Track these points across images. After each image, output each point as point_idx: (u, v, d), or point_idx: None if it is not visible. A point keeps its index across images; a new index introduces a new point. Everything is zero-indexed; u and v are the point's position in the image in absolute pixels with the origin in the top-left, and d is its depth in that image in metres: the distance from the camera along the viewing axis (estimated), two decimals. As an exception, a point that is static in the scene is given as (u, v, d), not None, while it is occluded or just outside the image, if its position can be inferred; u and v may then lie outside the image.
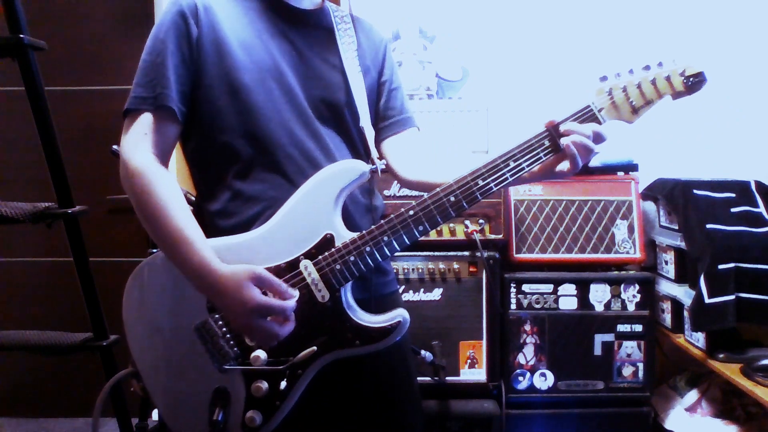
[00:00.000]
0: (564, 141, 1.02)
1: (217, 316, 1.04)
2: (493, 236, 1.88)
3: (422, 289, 1.87)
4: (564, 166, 1.04)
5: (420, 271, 1.87)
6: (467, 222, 1.86)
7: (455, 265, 1.86)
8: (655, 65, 1.03)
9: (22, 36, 1.53)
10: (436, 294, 1.87)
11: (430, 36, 2.26)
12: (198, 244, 1.00)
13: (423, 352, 1.77)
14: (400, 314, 1.05)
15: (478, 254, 1.84)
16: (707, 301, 1.73)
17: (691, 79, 1.02)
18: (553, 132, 1.05)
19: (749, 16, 2.29)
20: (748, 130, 2.29)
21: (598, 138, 1.03)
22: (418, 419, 1.29)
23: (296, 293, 1.02)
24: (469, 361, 1.87)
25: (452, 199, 1.04)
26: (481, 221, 1.87)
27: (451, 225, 1.87)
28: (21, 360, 2.61)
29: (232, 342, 1.03)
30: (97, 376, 1.77)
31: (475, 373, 1.88)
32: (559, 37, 2.34)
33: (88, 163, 2.52)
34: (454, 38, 2.34)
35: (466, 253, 1.88)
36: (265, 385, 1.03)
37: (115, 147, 1.79)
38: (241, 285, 0.96)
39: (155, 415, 1.91)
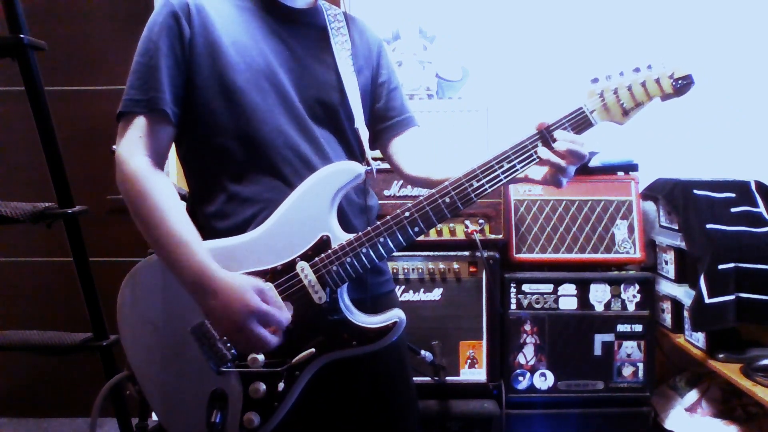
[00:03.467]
0: (540, 154, 1.04)
1: None
2: (493, 236, 1.88)
3: (422, 289, 1.87)
4: (557, 178, 1.06)
5: (420, 271, 1.87)
6: (467, 222, 1.86)
7: (455, 265, 1.86)
8: (645, 67, 1.04)
9: (22, 36, 1.52)
10: (436, 294, 1.87)
11: (430, 36, 2.26)
12: (195, 246, 0.99)
13: (423, 352, 1.77)
14: (396, 315, 1.06)
15: (478, 254, 1.84)
16: (707, 301, 1.73)
17: (679, 82, 1.03)
18: (546, 134, 1.06)
19: (748, 17, 2.29)
20: (748, 130, 2.29)
21: (574, 155, 1.04)
22: (414, 419, 1.29)
23: (289, 315, 1.02)
24: (469, 361, 1.87)
25: (447, 200, 1.05)
26: (481, 221, 1.87)
27: (451, 225, 1.88)
28: (21, 360, 2.61)
29: (229, 344, 1.03)
30: (97, 376, 1.77)
31: (475, 373, 1.88)
32: (558, 37, 2.34)
33: (88, 163, 2.51)
34: (454, 38, 2.33)
35: (466, 253, 1.88)
36: (262, 386, 1.03)
37: (115, 147, 1.79)
38: (245, 289, 0.97)
39: (155, 415, 1.91)
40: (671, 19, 2.30)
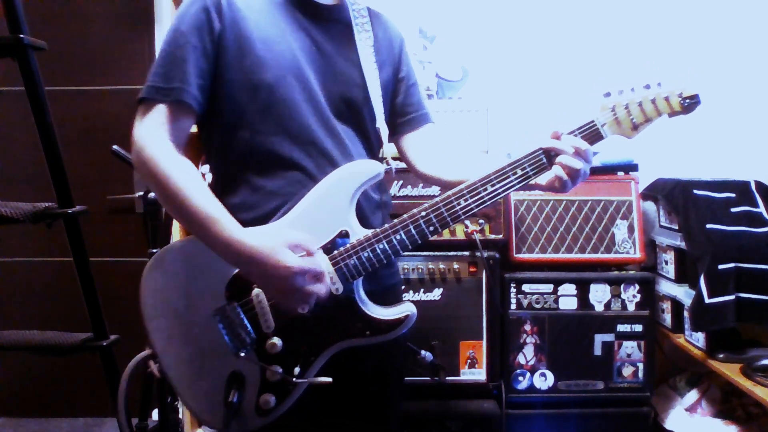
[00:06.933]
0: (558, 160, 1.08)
1: (234, 303, 1.07)
2: (493, 236, 1.88)
3: (422, 289, 1.87)
4: (561, 184, 1.09)
5: (420, 271, 1.87)
6: (467, 222, 1.86)
7: (455, 265, 1.86)
8: (655, 85, 1.08)
9: (22, 36, 1.52)
10: (436, 294, 1.87)
11: (430, 36, 2.26)
12: (224, 221, 1.01)
13: (423, 352, 1.77)
14: (408, 308, 1.12)
15: (478, 254, 1.84)
16: (707, 301, 1.73)
17: (687, 100, 1.07)
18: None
19: (748, 18, 2.29)
20: (748, 130, 2.29)
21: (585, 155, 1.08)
22: (397, 407, 1.38)
23: (326, 260, 1.06)
24: (469, 361, 1.87)
25: (462, 202, 1.09)
26: (481, 221, 1.87)
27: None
28: (21, 360, 2.61)
29: (249, 329, 1.07)
30: (97, 376, 1.77)
31: (475, 373, 1.88)
32: (558, 37, 2.34)
33: (88, 163, 2.52)
34: (454, 38, 2.33)
35: (466, 253, 1.88)
36: (279, 369, 1.07)
37: (115, 147, 1.79)
38: (278, 250, 0.99)
39: (155, 415, 1.92)
40: (670, 19, 2.30)
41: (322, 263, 1.04)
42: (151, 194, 1.75)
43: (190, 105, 1.06)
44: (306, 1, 1.16)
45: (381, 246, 1.08)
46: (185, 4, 1.09)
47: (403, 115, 1.31)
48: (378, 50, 1.23)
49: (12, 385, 2.72)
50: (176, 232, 2.09)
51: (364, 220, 1.13)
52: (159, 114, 1.05)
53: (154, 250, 1.75)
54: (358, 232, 1.09)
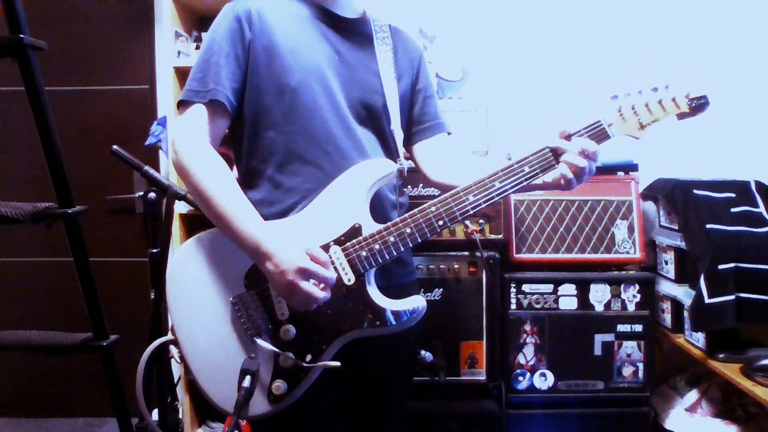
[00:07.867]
0: (563, 158, 1.11)
1: (252, 291, 1.13)
2: (493, 236, 1.88)
3: (422, 289, 1.87)
4: (567, 182, 1.13)
5: (420, 271, 1.87)
6: (467, 222, 1.86)
7: (455, 265, 1.86)
8: (663, 88, 1.10)
9: (22, 36, 1.52)
10: (436, 294, 1.87)
11: (430, 36, 2.26)
12: (247, 219, 1.09)
13: (423, 352, 1.77)
14: (418, 301, 1.15)
15: (478, 254, 1.84)
16: (707, 301, 1.73)
17: (694, 102, 1.09)
18: (567, 141, 1.12)
19: (748, 18, 2.29)
20: (748, 130, 2.29)
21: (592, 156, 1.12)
22: (402, 403, 1.40)
23: (335, 273, 1.10)
24: (469, 361, 1.87)
25: (471, 198, 1.13)
26: (481, 221, 1.87)
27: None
28: (21, 360, 2.61)
29: (264, 316, 1.13)
30: (97, 376, 1.77)
31: (475, 373, 1.88)
32: (558, 37, 2.34)
33: (88, 163, 2.52)
34: (454, 38, 2.34)
35: (466, 253, 1.88)
36: (292, 356, 1.11)
37: (115, 147, 1.79)
38: (293, 249, 1.05)
39: (155, 415, 1.92)
40: (669, 19, 2.30)
41: (332, 274, 1.07)
42: (151, 194, 1.74)
43: (224, 105, 1.14)
44: (330, 14, 1.25)
45: (392, 239, 1.12)
46: (220, 16, 1.18)
47: (419, 123, 1.38)
48: (397, 62, 1.31)
49: (12, 385, 2.73)
50: (176, 232, 2.09)
51: (380, 218, 1.18)
52: (196, 114, 1.14)
53: (154, 250, 1.75)
54: (371, 227, 1.14)
